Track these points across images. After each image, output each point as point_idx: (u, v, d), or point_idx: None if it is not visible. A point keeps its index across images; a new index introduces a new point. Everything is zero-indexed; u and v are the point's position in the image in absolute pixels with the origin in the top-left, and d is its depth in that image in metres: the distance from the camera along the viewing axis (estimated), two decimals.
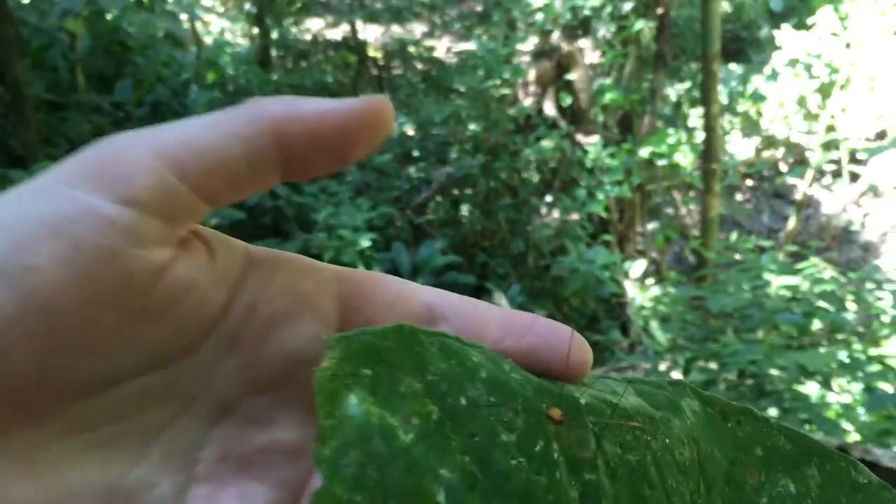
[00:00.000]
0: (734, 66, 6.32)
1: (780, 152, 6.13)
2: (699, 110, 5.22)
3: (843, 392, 3.12)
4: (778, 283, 3.55)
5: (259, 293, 0.31)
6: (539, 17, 5.21)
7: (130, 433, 0.29)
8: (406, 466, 0.27)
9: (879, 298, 3.55)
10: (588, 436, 0.31)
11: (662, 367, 3.63)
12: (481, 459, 0.29)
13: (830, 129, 5.00)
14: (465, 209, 4.62)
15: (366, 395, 0.28)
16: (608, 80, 5.32)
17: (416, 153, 4.93)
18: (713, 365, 3.28)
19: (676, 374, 3.41)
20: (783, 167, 6.09)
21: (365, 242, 3.63)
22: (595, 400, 0.33)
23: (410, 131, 5.21)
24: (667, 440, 0.33)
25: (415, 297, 0.34)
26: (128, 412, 0.29)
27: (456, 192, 4.64)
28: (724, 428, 0.35)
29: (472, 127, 4.87)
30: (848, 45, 5.02)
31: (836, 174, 5.58)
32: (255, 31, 6.93)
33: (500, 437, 0.29)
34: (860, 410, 3.11)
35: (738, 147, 6.14)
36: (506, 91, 5.11)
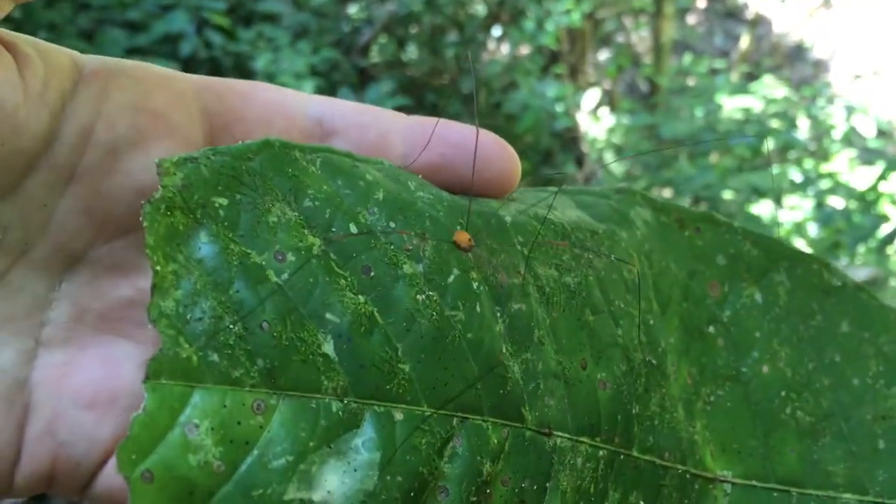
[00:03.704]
0: None
1: None
2: None
3: (795, 209, 3.15)
4: (731, 106, 3.51)
5: (95, 114, 0.24)
6: None
7: None
8: (279, 314, 0.22)
9: (830, 115, 3.54)
10: (516, 259, 0.26)
11: None
12: (380, 298, 0.23)
13: None
14: (410, 49, 4.45)
15: (221, 230, 0.22)
16: None
17: None
18: (668, 192, 3.28)
19: None
20: None
21: (308, 89, 3.49)
22: (525, 217, 0.27)
23: None
24: (612, 256, 0.28)
25: (300, 110, 0.27)
26: None
27: (400, 31, 4.44)
28: (681, 238, 0.30)
29: None
30: None
31: None
32: None
33: (403, 269, 0.24)
34: (811, 227, 3.16)
35: None
36: None
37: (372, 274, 0.23)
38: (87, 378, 0.25)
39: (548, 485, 0.25)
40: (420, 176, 0.27)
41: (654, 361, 0.28)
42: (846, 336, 0.32)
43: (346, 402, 0.22)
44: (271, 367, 0.22)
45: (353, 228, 0.24)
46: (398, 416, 0.23)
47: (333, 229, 0.23)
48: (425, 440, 0.23)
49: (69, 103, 0.24)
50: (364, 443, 0.22)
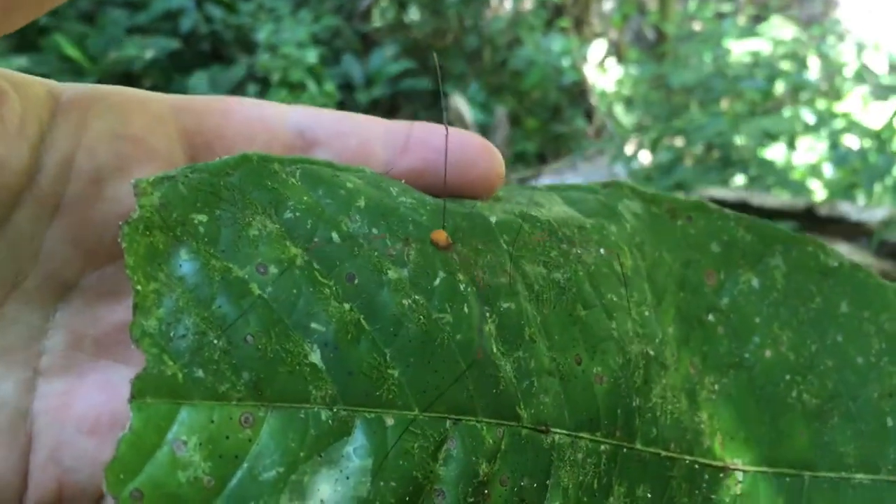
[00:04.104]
0: None
1: None
2: None
3: (810, 151, 3.12)
4: (739, 50, 3.46)
5: (75, 144, 0.24)
6: None
7: None
8: (263, 326, 0.22)
9: (840, 53, 3.49)
10: (503, 258, 0.26)
11: (629, 149, 3.61)
12: (365, 304, 0.23)
13: None
14: (412, 10, 4.40)
15: (201, 246, 0.22)
16: None
17: None
18: (679, 142, 3.25)
19: (644, 155, 3.40)
20: None
21: (312, 58, 3.47)
22: (510, 216, 0.27)
23: None
24: (602, 251, 0.27)
25: (280, 123, 0.27)
26: None
27: None
28: (673, 228, 0.30)
29: None
30: None
31: None
32: None
33: (388, 275, 0.24)
34: (826, 168, 3.13)
35: None
36: None
37: (356, 281, 0.23)
38: (87, 404, 0.25)
39: (548, 482, 0.25)
40: (403, 181, 0.27)
41: (651, 353, 0.28)
42: (846, 316, 0.31)
43: (335, 410, 0.22)
44: (257, 379, 0.22)
45: (336, 237, 0.24)
46: (389, 421, 0.23)
47: (315, 239, 0.23)
48: (418, 444, 0.23)
49: (48, 135, 0.24)
50: (356, 450, 0.22)
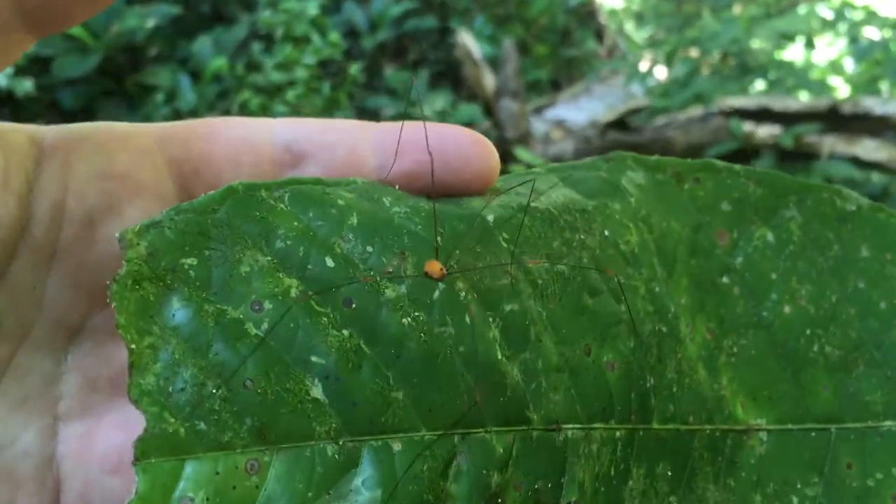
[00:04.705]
0: None
1: None
2: None
3: (830, 46, 3.05)
4: None
5: (63, 189, 0.24)
6: None
7: None
8: (262, 368, 0.21)
9: None
10: (503, 258, 0.25)
11: (644, 66, 3.53)
12: (365, 328, 0.23)
13: None
14: None
15: (193, 292, 0.22)
16: None
17: None
18: (694, 53, 3.18)
19: (659, 70, 3.33)
20: None
21: (313, 10, 3.42)
22: (509, 210, 0.26)
23: None
24: (606, 232, 0.27)
25: (266, 140, 0.27)
26: None
27: None
28: (681, 192, 0.29)
29: None
30: None
31: None
32: None
33: (386, 294, 0.23)
34: (847, 63, 3.05)
35: None
36: None
37: (353, 305, 0.23)
38: (109, 445, 0.25)
39: (563, 479, 0.25)
40: (397, 187, 0.26)
41: (664, 329, 0.27)
42: (867, 260, 0.30)
43: (341, 443, 0.22)
44: (260, 424, 0.21)
45: (330, 262, 0.23)
46: (396, 446, 0.23)
47: (310, 267, 0.23)
48: (427, 465, 0.23)
49: (35, 183, 0.24)
50: (364, 482, 0.22)
